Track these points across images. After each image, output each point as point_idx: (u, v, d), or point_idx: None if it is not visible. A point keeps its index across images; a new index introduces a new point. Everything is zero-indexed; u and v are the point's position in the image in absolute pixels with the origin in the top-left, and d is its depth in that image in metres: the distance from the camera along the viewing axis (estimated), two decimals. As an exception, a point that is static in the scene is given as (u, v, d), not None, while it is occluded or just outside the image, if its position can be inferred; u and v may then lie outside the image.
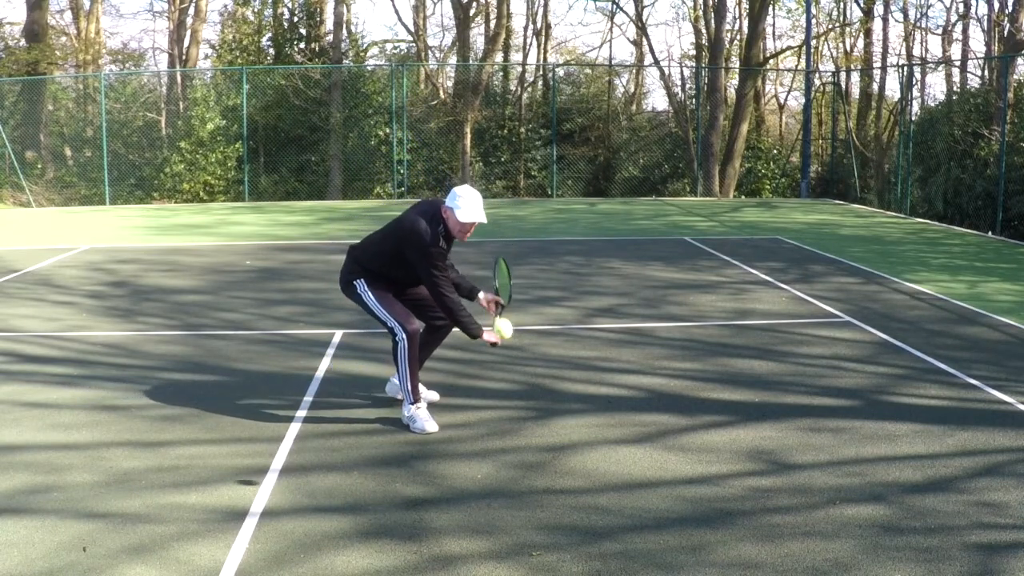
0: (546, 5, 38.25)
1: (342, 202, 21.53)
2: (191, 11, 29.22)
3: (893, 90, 28.57)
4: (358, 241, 5.70)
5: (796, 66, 31.36)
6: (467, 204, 5.22)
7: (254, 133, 23.61)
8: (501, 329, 5.37)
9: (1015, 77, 18.43)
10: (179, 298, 9.23)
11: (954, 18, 30.29)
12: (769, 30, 31.61)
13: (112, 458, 4.92)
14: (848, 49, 32.02)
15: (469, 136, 24.64)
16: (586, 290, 9.71)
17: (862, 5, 29.87)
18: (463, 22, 27.82)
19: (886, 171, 24.83)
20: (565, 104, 27.08)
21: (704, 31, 28.87)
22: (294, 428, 5.40)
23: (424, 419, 5.36)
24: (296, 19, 26.76)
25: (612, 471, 4.78)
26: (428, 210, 5.32)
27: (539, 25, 31.24)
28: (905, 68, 23.71)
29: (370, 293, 5.40)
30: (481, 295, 5.63)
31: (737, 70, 27.37)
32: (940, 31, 31.13)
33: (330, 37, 25.93)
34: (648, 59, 32.30)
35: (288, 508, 4.32)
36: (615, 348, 7.31)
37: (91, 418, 5.58)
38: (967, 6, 29.75)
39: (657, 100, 46.97)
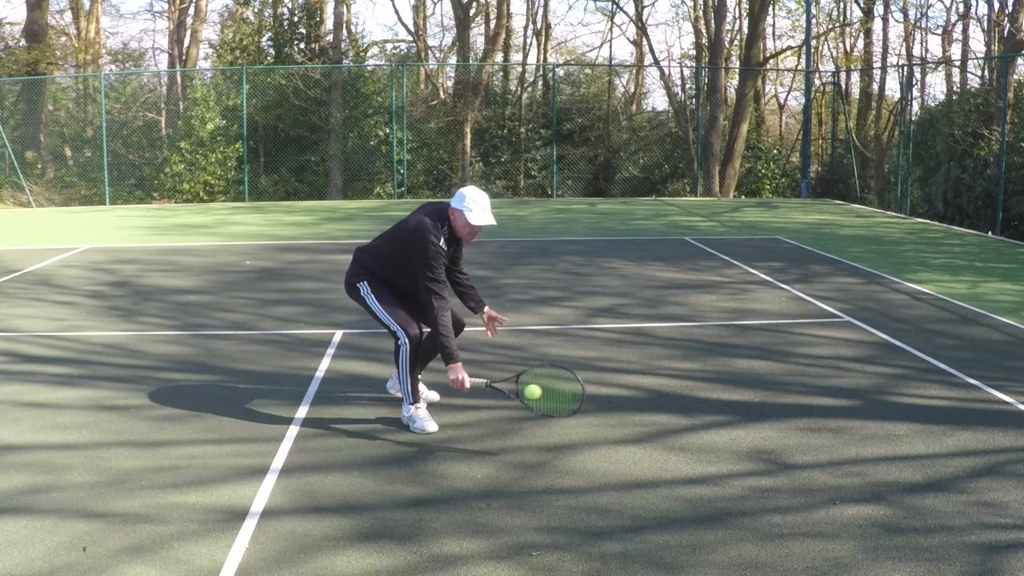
0: (546, 5, 38.23)
1: (342, 202, 21.53)
2: (191, 11, 29.24)
3: (893, 90, 28.61)
4: (364, 243, 5.68)
5: (796, 66, 31.38)
6: (478, 207, 5.19)
7: (254, 133, 23.62)
8: (534, 391, 5.08)
9: (1015, 77, 18.43)
10: (179, 298, 9.23)
11: (954, 18, 30.34)
12: (769, 30, 31.63)
13: (112, 458, 4.92)
14: (848, 49, 32.06)
15: (469, 136, 24.64)
16: (586, 290, 9.71)
17: (862, 5, 29.89)
18: (463, 22, 27.82)
19: (886, 171, 24.84)
20: (565, 104, 27.09)
21: (704, 31, 28.89)
22: (294, 428, 5.40)
23: (424, 419, 5.36)
24: (296, 19, 26.76)
25: (612, 471, 4.78)
26: (434, 211, 5.30)
27: (539, 25, 31.27)
28: (905, 68, 23.71)
29: (373, 296, 5.39)
30: (486, 310, 5.62)
31: (737, 70, 27.38)
32: (940, 31, 31.17)
33: (330, 37, 25.93)
34: (648, 59, 32.35)
35: (288, 508, 4.32)
36: (615, 348, 7.31)
37: (91, 418, 5.58)
38: (967, 6, 29.79)
39: (657, 100, 46.96)
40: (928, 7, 45.76)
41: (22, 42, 25.69)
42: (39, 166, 23.71)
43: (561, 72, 29.62)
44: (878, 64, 30.21)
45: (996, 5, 25.34)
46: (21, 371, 6.59)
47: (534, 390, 5.09)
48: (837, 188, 22.77)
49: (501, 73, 29.29)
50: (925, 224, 16.41)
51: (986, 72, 23.22)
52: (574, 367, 6.63)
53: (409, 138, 23.53)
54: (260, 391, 6.16)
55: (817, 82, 26.43)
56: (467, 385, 5.11)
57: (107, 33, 33.48)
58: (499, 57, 28.55)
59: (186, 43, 29.07)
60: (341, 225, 15.85)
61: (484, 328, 5.73)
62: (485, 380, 5.31)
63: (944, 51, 29.70)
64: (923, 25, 31.31)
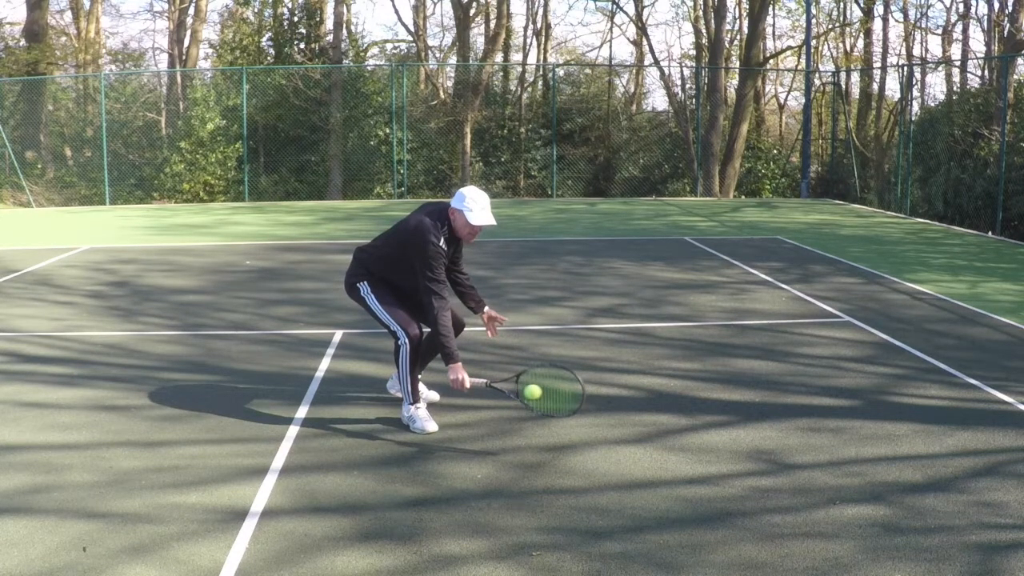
0: (546, 5, 38.21)
1: (342, 202, 21.53)
2: (191, 11, 29.23)
3: (893, 90, 28.60)
4: (365, 243, 5.68)
5: (796, 66, 31.38)
6: (478, 207, 5.18)
7: (254, 133, 23.62)
8: (534, 391, 5.11)
9: (1015, 77, 18.43)
10: (179, 298, 9.23)
11: (954, 18, 30.33)
12: (769, 30, 31.61)
13: (112, 458, 4.92)
14: (848, 49, 32.05)
15: (469, 136, 24.64)
16: (586, 290, 9.71)
17: (862, 5, 29.89)
18: (463, 22, 27.82)
19: (886, 171, 24.83)
20: (565, 104, 27.08)
21: (704, 31, 28.88)
22: (294, 428, 5.40)
23: (424, 419, 5.36)
24: (296, 19, 26.76)
25: (612, 471, 4.78)
26: (434, 211, 5.30)
27: (539, 25, 31.25)
28: (905, 68, 23.71)
29: (373, 296, 5.39)
30: (486, 310, 5.62)
31: (737, 70, 27.38)
32: (940, 31, 31.17)
33: (330, 37, 25.93)
34: (648, 59, 32.33)
35: (288, 508, 4.32)
36: (615, 348, 7.31)
37: (91, 418, 5.58)
38: (967, 6, 29.79)
39: (657, 100, 46.91)
40: (928, 7, 45.77)
41: (22, 42, 25.68)
42: (39, 166, 23.71)
43: (561, 72, 29.61)
44: (878, 64, 30.22)
45: (996, 5, 25.36)
46: (21, 371, 6.59)
47: (534, 390, 5.09)
48: (837, 188, 22.77)
49: (501, 73, 29.28)
50: (925, 224, 16.41)
51: (986, 72, 23.23)
52: (574, 367, 6.63)
53: (409, 138, 23.52)
54: (260, 391, 6.16)
55: (817, 82, 26.42)
56: (467, 385, 5.11)
57: (107, 33, 33.51)
58: (499, 57, 28.54)
59: (186, 43, 29.06)
60: (341, 225, 15.85)
61: (484, 328, 5.73)
62: (485, 380, 5.31)
63: (944, 51, 29.71)
64: (923, 25, 31.33)
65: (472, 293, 5.64)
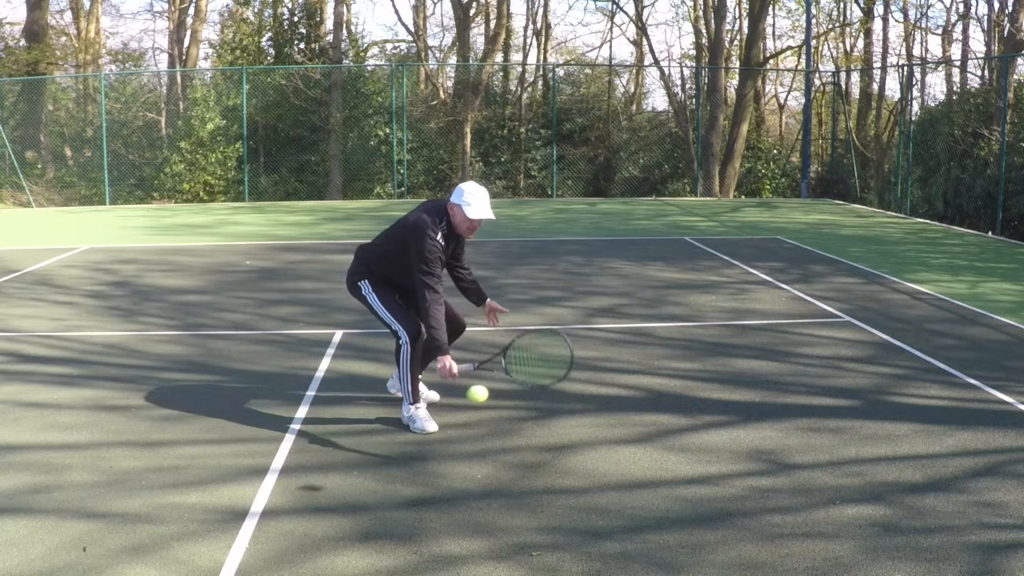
0: (546, 5, 38.19)
1: (342, 202, 21.54)
2: (191, 11, 29.23)
3: (893, 90, 28.60)
4: (366, 242, 5.68)
5: (796, 66, 31.37)
6: (476, 201, 5.19)
7: (254, 133, 23.61)
8: (476, 394, 5.17)
9: (1015, 77, 18.43)
10: (179, 298, 9.23)
11: (954, 18, 30.33)
12: (769, 30, 31.60)
13: (112, 458, 4.92)
14: (848, 49, 32.05)
15: (469, 136, 24.64)
16: (586, 290, 9.71)
17: (862, 5, 29.88)
18: (463, 22, 27.82)
19: (886, 171, 24.83)
20: (565, 104, 27.07)
21: (704, 31, 28.87)
22: (294, 428, 5.40)
23: (424, 419, 5.36)
24: (296, 19, 26.75)
25: (612, 471, 4.78)
26: (433, 207, 5.32)
27: (539, 25, 31.24)
28: (905, 68, 23.71)
29: (375, 295, 5.39)
30: (488, 302, 5.63)
31: (737, 70, 27.38)
32: (940, 31, 31.17)
33: (330, 37, 25.93)
34: (648, 59, 32.32)
35: (288, 508, 4.32)
36: (615, 348, 7.31)
37: (91, 418, 5.58)
38: (967, 6, 29.78)
39: (657, 100, 46.86)
40: (928, 7, 45.79)
41: (22, 42, 25.68)
42: (39, 166, 23.70)
43: (561, 72, 29.61)
44: (878, 64, 30.22)
45: (996, 5, 25.36)
46: (21, 371, 6.59)
47: (476, 395, 5.15)
48: (837, 188, 22.77)
49: (501, 73, 29.28)
50: (925, 224, 16.41)
51: (986, 72, 23.23)
52: (574, 367, 6.62)
53: (409, 138, 23.52)
54: (260, 391, 6.16)
55: (817, 82, 26.42)
56: (455, 371, 5.09)
57: (107, 33, 33.46)
58: (499, 57, 28.53)
59: (186, 43, 29.05)
60: (341, 225, 15.85)
61: (485, 328, 5.73)
62: (472, 363, 5.32)
63: (944, 51, 29.71)
64: (923, 25, 31.32)
65: (474, 288, 5.68)
